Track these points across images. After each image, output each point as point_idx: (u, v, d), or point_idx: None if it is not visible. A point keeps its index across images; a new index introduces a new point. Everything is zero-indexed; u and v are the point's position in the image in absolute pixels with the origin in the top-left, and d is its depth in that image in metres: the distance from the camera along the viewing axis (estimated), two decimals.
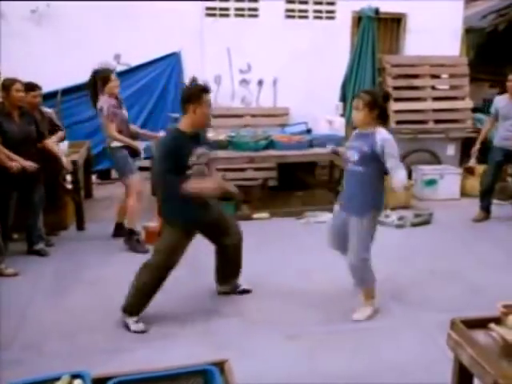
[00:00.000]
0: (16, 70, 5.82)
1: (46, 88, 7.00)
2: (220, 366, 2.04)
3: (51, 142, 5.09)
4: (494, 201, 6.90)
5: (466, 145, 7.53)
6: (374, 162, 3.63)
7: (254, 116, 7.91)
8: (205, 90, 3.65)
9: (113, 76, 5.23)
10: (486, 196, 6.29)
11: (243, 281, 4.33)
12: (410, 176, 7.14)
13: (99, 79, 5.21)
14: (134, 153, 5.32)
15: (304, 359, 3.43)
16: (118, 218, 5.62)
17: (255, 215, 6.16)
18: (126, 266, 4.78)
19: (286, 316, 3.96)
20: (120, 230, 5.54)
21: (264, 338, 3.65)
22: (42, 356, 3.40)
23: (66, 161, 5.19)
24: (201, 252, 4.25)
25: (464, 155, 7.59)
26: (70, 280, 4.55)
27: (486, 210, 6.30)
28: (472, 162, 6.65)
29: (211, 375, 1.83)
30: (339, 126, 6.91)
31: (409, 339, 3.65)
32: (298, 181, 7.44)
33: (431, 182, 6.96)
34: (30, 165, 4.58)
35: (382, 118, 3.71)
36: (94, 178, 7.60)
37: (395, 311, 4.06)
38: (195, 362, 2.02)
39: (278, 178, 7.67)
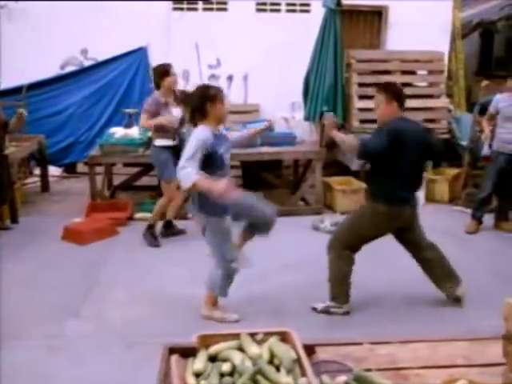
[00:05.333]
0: None
1: (14, 83, 7.20)
2: None
3: None
4: (456, 208, 6.40)
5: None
6: None
7: None
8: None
9: (172, 70, 4.97)
10: (482, 205, 5.66)
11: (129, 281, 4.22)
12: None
13: (156, 74, 5.04)
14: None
15: (138, 368, 3.26)
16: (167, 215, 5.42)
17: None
18: (23, 263, 4.80)
19: (140, 323, 3.80)
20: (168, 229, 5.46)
21: (102, 345, 3.51)
22: None
23: None
24: None
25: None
26: None
27: (479, 220, 5.70)
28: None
29: None
30: (295, 124, 6.63)
31: None
32: (261, 180, 7.20)
33: None
34: None
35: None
36: (60, 171, 7.70)
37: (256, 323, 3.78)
38: None
39: (242, 177, 7.45)
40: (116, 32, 7.34)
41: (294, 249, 5.08)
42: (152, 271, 4.65)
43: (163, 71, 4.99)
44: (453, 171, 6.78)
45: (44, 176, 7.00)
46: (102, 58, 7.58)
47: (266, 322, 3.78)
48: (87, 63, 7.61)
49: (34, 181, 7.19)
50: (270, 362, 1.86)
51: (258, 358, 1.84)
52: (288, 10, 7.66)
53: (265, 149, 6.09)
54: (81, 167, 7.74)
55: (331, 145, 7.54)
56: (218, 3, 7.56)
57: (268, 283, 4.34)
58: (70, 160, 7.70)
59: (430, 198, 6.61)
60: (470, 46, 12.68)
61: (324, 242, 5.41)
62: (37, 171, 7.15)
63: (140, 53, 7.58)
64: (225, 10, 7.59)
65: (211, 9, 7.58)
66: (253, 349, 1.88)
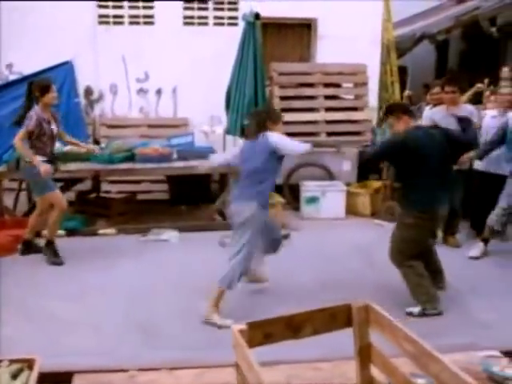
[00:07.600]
0: None
1: None
2: None
3: None
4: (376, 221, 6.33)
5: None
6: None
7: (151, 126, 7.64)
8: None
9: (53, 86, 4.93)
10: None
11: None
12: (296, 193, 6.65)
13: (36, 88, 4.89)
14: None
15: None
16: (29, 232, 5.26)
17: (100, 231, 5.87)
18: None
19: (13, 343, 3.63)
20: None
21: None
22: None
23: None
24: None
25: (363, 170, 6.99)
26: None
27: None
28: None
29: None
30: (215, 137, 6.56)
31: None
32: (187, 195, 7.12)
33: (312, 200, 6.43)
34: None
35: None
36: None
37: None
38: None
39: (169, 192, 7.36)
40: (42, 46, 7.27)
41: (189, 266, 4.96)
42: (39, 289, 4.51)
43: (44, 86, 4.84)
44: (375, 184, 6.73)
45: None
46: (27, 72, 7.45)
47: (134, 342, 3.66)
48: (12, 77, 7.50)
49: None
50: None
51: None
52: (216, 24, 7.62)
53: (177, 163, 6.00)
54: (7, 183, 7.60)
55: None
56: (145, 17, 7.50)
57: (147, 302, 4.21)
58: None
59: (351, 211, 6.55)
60: (428, 59, 12.78)
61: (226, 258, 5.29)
62: None
63: (66, 67, 7.43)
64: (152, 23, 7.53)
65: (138, 23, 7.52)
66: None
